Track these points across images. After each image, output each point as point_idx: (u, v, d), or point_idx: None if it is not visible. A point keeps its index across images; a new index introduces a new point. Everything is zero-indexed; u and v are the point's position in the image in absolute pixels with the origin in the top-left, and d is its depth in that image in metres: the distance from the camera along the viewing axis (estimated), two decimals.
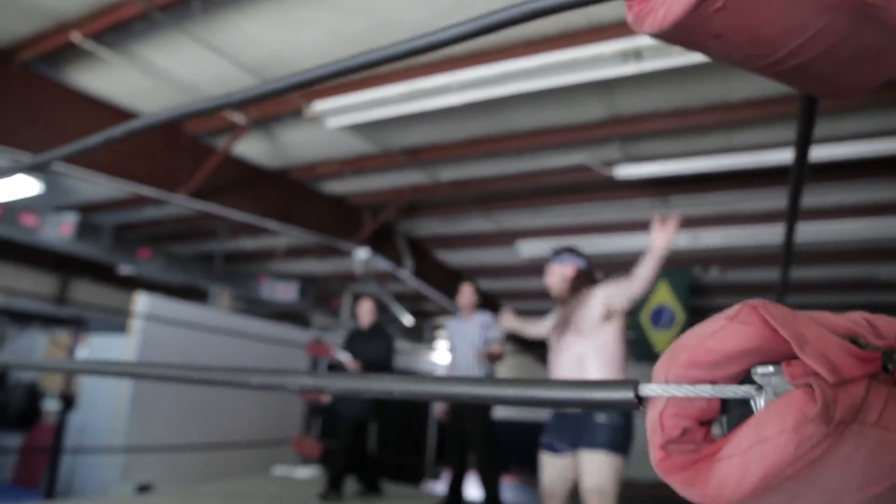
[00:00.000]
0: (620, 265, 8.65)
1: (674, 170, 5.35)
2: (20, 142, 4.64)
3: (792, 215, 1.44)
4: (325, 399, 4.96)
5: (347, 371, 4.94)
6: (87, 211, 7.46)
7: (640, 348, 9.25)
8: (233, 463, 6.47)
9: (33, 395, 6.72)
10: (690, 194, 6.31)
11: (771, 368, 0.50)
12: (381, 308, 10.34)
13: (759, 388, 0.51)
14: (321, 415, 5.10)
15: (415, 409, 11.09)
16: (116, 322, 9.58)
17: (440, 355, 15.21)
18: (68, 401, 6.19)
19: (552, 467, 2.99)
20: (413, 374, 0.85)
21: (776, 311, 0.49)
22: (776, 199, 6.10)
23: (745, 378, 0.52)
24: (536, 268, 8.93)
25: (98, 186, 6.85)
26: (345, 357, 4.97)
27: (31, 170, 2.69)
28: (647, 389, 0.54)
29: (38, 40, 4.42)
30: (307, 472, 5.65)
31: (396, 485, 5.88)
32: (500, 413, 14.83)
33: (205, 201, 5.83)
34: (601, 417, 2.81)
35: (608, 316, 2.93)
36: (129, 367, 2.17)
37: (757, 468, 0.47)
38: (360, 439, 4.95)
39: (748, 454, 0.48)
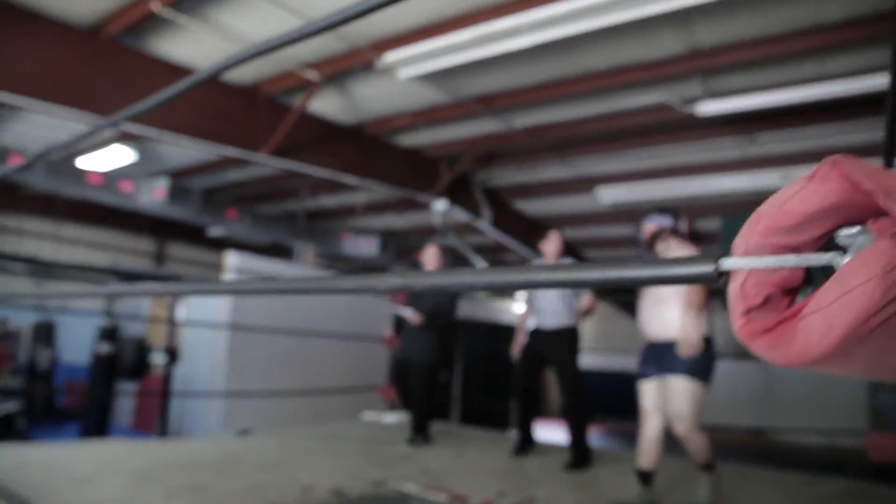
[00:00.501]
0: (706, 208, 8.31)
1: (761, 103, 5.00)
2: (116, 112, 4.88)
3: (889, 148, 1.31)
4: (390, 341, 5.09)
5: (410, 324, 4.95)
6: (178, 176, 7.84)
7: (727, 297, 8.92)
8: (324, 409, 6.79)
9: (142, 349, 7.28)
10: (780, 130, 5.92)
11: (856, 229, 0.49)
12: (460, 259, 10.47)
13: (844, 251, 0.49)
14: (395, 363, 5.21)
15: (500, 355, 11.24)
16: (210, 281, 10.14)
17: (520, 306, 15.23)
18: (173, 354, 6.65)
19: (646, 391, 3.37)
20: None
21: (858, 165, 0.47)
22: (874, 130, 5.63)
23: (829, 244, 0.50)
24: (617, 214, 8.73)
25: (186, 151, 7.18)
26: (407, 312, 4.98)
27: (107, 127, 2.80)
28: (727, 263, 0.54)
29: (122, 13, 4.60)
30: (394, 418, 5.86)
31: (482, 430, 6.01)
32: (585, 363, 14.82)
33: (285, 159, 5.98)
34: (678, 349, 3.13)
35: None
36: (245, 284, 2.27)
37: (843, 319, 0.46)
38: (429, 385, 4.97)
39: (833, 307, 0.47)
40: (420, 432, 4.88)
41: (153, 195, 6.95)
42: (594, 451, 4.39)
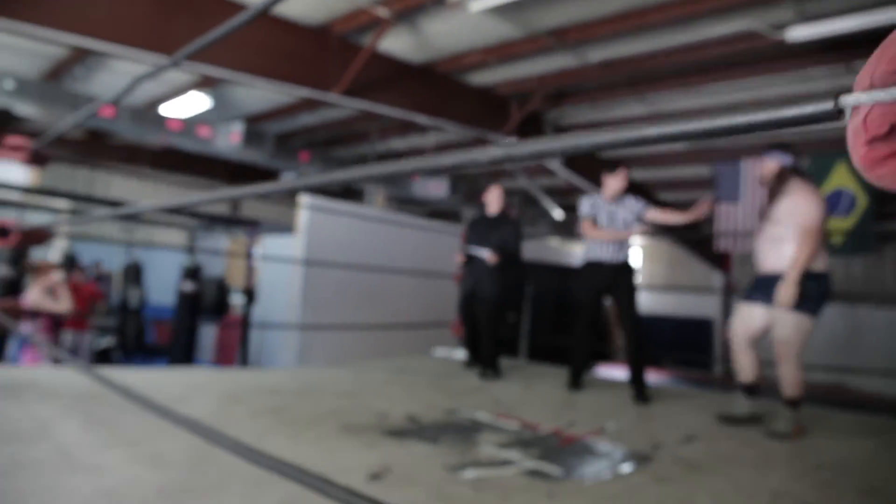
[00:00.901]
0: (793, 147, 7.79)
1: (859, 25, 4.52)
2: (202, 57, 4.93)
3: None
4: (459, 257, 5.07)
5: (487, 263, 4.94)
6: (252, 121, 7.96)
7: (853, 238, 8.41)
8: (396, 345, 6.92)
9: (222, 288, 7.59)
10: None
11: None
12: (530, 201, 10.31)
13: None
14: (462, 299, 5.24)
15: (567, 296, 11.13)
16: (285, 225, 10.40)
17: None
18: (250, 294, 6.88)
19: (748, 312, 3.59)
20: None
21: None
22: None
23: None
24: (694, 154, 8.33)
25: (260, 96, 7.27)
26: (482, 251, 4.94)
27: (176, 64, 2.81)
28: (849, 99, 0.53)
29: None
30: (465, 354, 5.88)
31: (551, 366, 5.98)
32: (655, 306, 14.51)
33: (356, 98, 5.95)
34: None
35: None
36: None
37: None
38: (497, 320, 5.07)
39: None
40: (490, 366, 4.94)
41: (229, 139, 7.09)
42: (654, 390, 4.49)
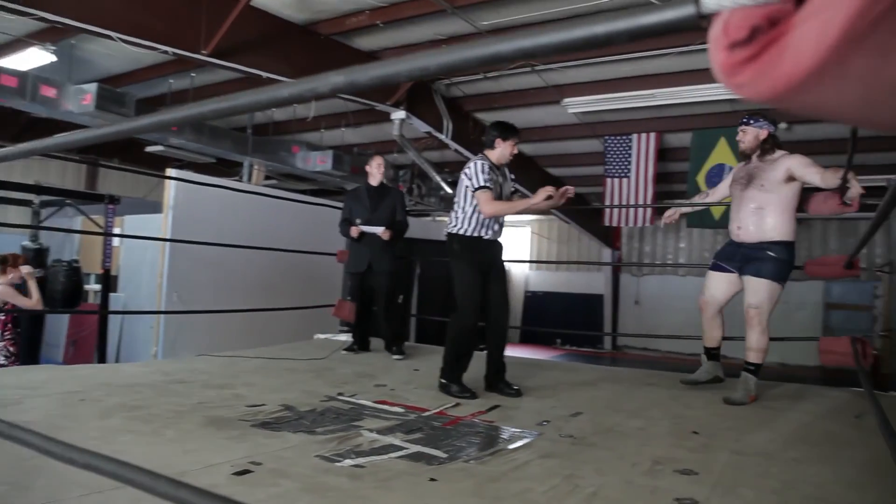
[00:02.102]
0: (675, 122, 8.08)
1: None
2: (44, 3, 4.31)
3: None
4: (355, 232, 4.80)
5: (381, 238, 4.81)
6: (110, 83, 7.17)
7: (695, 214, 8.81)
8: (275, 331, 6.53)
9: (75, 274, 6.73)
10: None
11: None
12: (422, 177, 10.12)
13: None
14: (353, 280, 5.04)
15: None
16: (149, 203, 9.59)
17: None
18: (108, 279, 6.22)
19: (718, 280, 3.70)
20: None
21: None
22: None
23: None
24: (583, 128, 8.45)
25: (118, 54, 6.54)
26: (373, 228, 4.78)
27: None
28: (710, 3, 0.51)
29: None
30: (346, 337, 5.63)
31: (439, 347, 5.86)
32: (542, 285, 14.88)
33: (228, 61, 5.45)
34: (773, 251, 3.44)
35: (789, 178, 3.41)
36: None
37: (842, 13, 0.41)
38: (395, 295, 5.07)
39: (830, 3, 0.42)
40: (398, 342, 4.96)
41: (81, 102, 6.32)
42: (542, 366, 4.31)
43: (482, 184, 3.64)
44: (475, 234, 3.78)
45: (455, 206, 3.86)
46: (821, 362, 3.80)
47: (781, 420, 3.18)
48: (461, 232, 3.78)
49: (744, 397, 3.46)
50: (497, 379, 3.78)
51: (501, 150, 3.79)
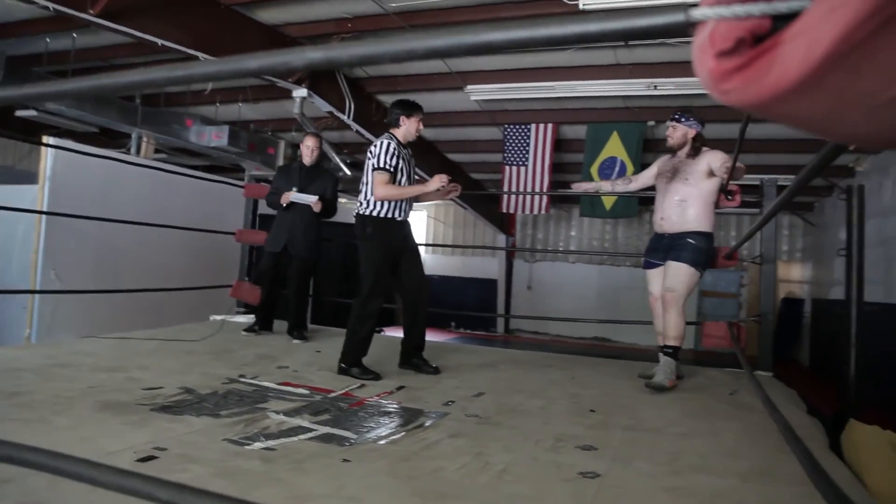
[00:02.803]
0: (572, 114, 8.40)
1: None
2: None
3: None
4: (285, 200, 4.66)
5: (304, 218, 4.72)
6: None
7: (587, 204, 9.24)
8: (168, 312, 6.22)
9: None
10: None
11: None
12: (322, 156, 9.91)
13: None
14: (266, 258, 4.87)
15: (353, 254, 11.02)
16: (18, 173, 8.78)
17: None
18: None
19: (653, 276, 3.86)
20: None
21: None
22: None
23: None
24: (484, 116, 8.59)
25: None
26: (305, 197, 4.64)
27: None
28: (698, 13, 0.55)
29: None
30: (246, 318, 5.46)
31: (340, 329, 5.81)
32: (437, 268, 15.06)
33: (118, 24, 5.07)
34: (692, 239, 3.61)
35: (710, 173, 3.61)
36: None
37: (829, 33, 0.46)
38: (308, 279, 5.03)
39: (818, 25, 0.47)
40: (302, 325, 4.90)
41: None
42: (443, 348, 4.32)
43: (381, 165, 3.62)
44: (388, 216, 3.72)
45: (363, 187, 3.77)
46: (703, 345, 4.13)
47: (667, 398, 3.44)
48: (373, 213, 3.71)
49: (664, 381, 3.51)
50: (416, 356, 3.85)
51: (407, 128, 3.75)
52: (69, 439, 2.13)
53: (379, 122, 8.24)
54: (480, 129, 9.24)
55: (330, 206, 4.80)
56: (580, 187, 4.36)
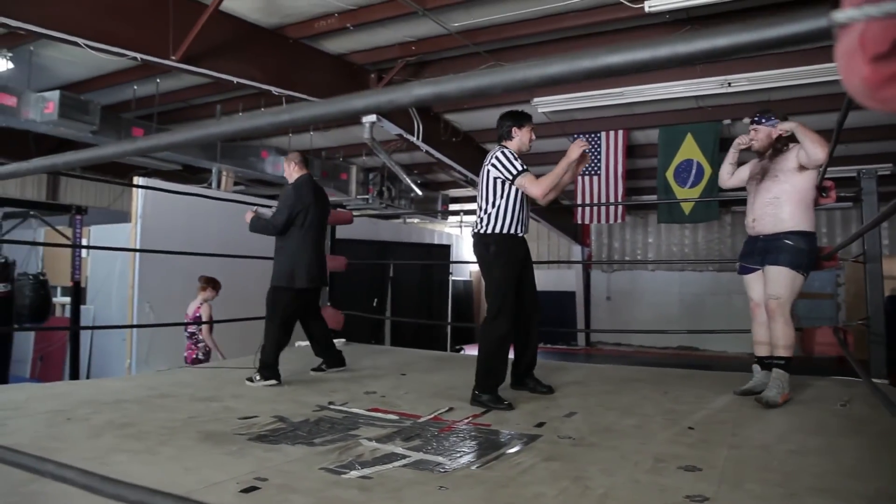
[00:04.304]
0: (643, 118, 8.20)
1: None
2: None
3: None
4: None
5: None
6: (71, 90, 6.95)
7: (665, 209, 8.96)
8: (253, 343, 6.40)
9: (42, 287, 6.48)
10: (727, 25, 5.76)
11: None
12: (392, 179, 10.07)
13: None
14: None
15: (431, 275, 11.11)
16: (114, 213, 9.32)
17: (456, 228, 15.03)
18: (79, 292, 6.00)
19: (751, 281, 3.65)
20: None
21: None
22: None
23: None
24: (553, 127, 8.50)
25: (81, 60, 6.33)
26: (266, 211, 4.30)
27: None
28: (842, 16, 0.50)
29: None
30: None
31: (420, 350, 5.83)
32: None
33: (197, 67, 5.32)
34: (789, 240, 3.38)
35: (801, 167, 3.39)
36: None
37: None
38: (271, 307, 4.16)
39: None
40: (263, 365, 3.96)
41: (42, 112, 6.11)
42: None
43: (518, 170, 3.43)
44: (510, 232, 3.53)
45: (482, 204, 3.56)
46: (809, 351, 3.88)
47: (772, 411, 3.24)
48: (496, 230, 3.51)
49: (776, 396, 3.29)
50: (528, 376, 3.75)
51: (520, 139, 3.60)
52: (174, 470, 2.20)
53: (448, 141, 8.30)
54: (550, 140, 9.14)
55: (262, 222, 4.20)
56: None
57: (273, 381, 3.91)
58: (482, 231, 3.56)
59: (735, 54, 0.58)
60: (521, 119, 3.63)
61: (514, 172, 3.44)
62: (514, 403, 3.40)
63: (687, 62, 0.59)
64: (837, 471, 2.28)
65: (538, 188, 3.45)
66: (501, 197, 3.51)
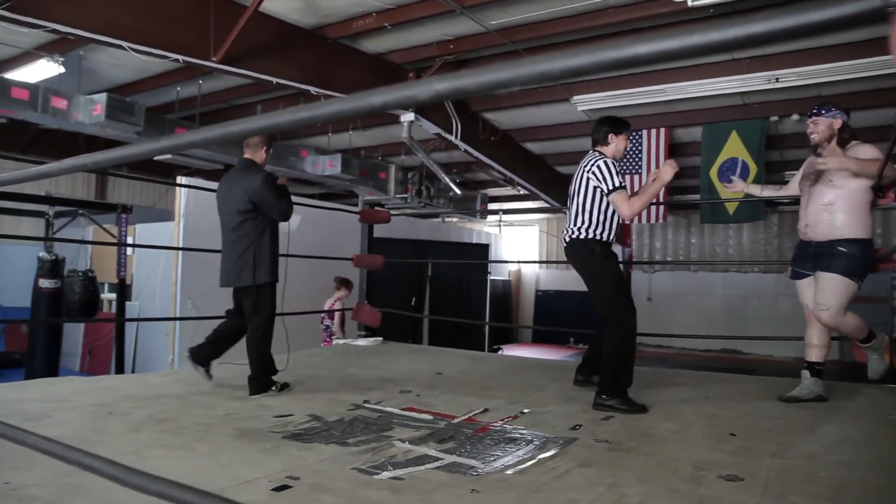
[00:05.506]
0: (686, 116, 8.01)
1: None
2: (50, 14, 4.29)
3: None
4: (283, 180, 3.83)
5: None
6: (118, 91, 7.15)
7: (708, 209, 8.76)
8: (294, 337, 6.47)
9: (90, 283, 6.69)
10: None
11: None
12: (430, 178, 10.07)
13: None
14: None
15: (469, 274, 11.08)
16: (158, 211, 9.55)
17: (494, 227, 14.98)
18: (124, 288, 6.16)
19: (803, 288, 3.54)
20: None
21: None
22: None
23: None
24: (591, 126, 8.38)
25: (126, 64, 6.52)
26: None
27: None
28: None
29: None
30: (366, 342, 5.59)
31: (456, 349, 5.81)
32: (553, 284, 14.82)
33: (237, 68, 5.41)
34: (844, 247, 3.26)
35: (856, 174, 3.24)
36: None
37: None
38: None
39: None
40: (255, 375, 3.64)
41: (91, 113, 6.29)
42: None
43: (617, 185, 3.36)
44: (608, 240, 3.51)
45: (579, 210, 3.51)
46: (855, 359, 3.75)
47: (819, 420, 3.12)
48: (599, 237, 3.49)
49: (878, 368, 3.46)
50: (595, 372, 3.75)
51: (616, 146, 3.55)
52: (209, 466, 2.23)
53: (487, 140, 8.25)
54: (590, 139, 9.02)
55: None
56: (733, 187, 4.07)
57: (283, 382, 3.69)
58: (583, 237, 3.51)
59: (774, 41, 0.54)
60: (619, 126, 3.59)
61: (612, 187, 3.38)
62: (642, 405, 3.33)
63: (721, 50, 0.55)
64: (890, 486, 2.18)
65: (629, 209, 3.40)
66: (600, 207, 3.47)
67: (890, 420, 3.10)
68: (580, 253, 3.54)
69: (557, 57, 0.61)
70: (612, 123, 3.59)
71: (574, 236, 3.54)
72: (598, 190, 3.42)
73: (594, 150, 3.56)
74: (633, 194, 3.48)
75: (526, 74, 0.62)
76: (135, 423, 2.79)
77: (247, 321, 3.79)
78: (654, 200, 8.53)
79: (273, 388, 3.61)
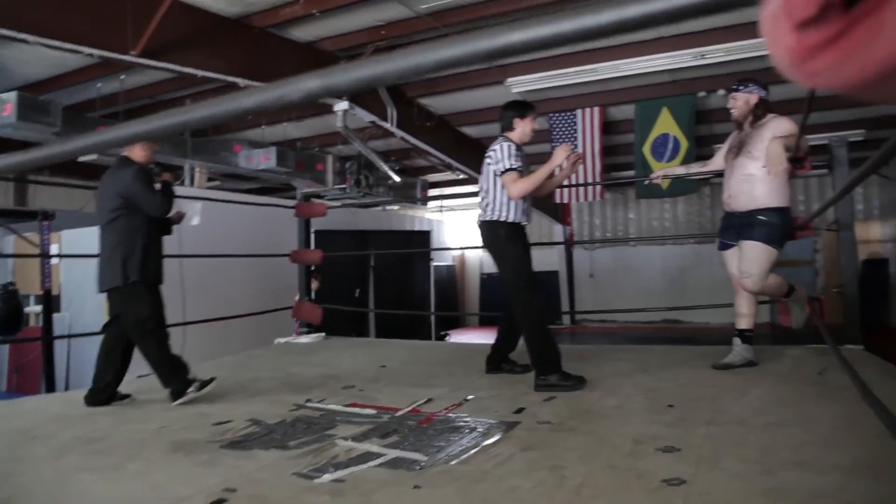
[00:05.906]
0: (618, 94, 8.14)
1: None
2: None
3: None
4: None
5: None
6: (31, 90, 6.76)
7: (643, 185, 8.93)
8: (232, 342, 6.32)
9: (12, 297, 6.30)
10: None
11: None
12: (369, 167, 9.95)
13: None
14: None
15: (412, 264, 11.03)
16: (86, 216, 9.12)
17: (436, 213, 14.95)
18: (50, 301, 5.83)
19: (729, 257, 3.68)
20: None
21: None
22: None
23: None
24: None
25: (37, 59, 6.15)
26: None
27: None
28: None
29: None
30: (308, 339, 5.50)
31: (402, 340, 5.80)
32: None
33: (158, 61, 5.17)
34: (764, 216, 3.40)
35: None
36: None
37: None
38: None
39: None
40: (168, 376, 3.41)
41: (0, 114, 5.93)
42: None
43: (509, 166, 3.46)
44: (516, 221, 3.58)
45: (485, 194, 3.62)
46: (781, 323, 3.91)
47: (750, 383, 3.23)
48: (504, 219, 3.56)
49: (800, 318, 3.72)
50: (504, 361, 3.87)
51: (522, 129, 3.61)
52: (139, 487, 2.14)
53: (423, 125, 8.19)
54: None
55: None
56: (657, 176, 4.31)
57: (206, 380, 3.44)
58: (488, 218, 3.60)
59: (646, 26, 0.52)
60: (525, 109, 3.67)
61: (503, 168, 3.49)
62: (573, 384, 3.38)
63: (605, 34, 0.54)
64: (813, 442, 2.27)
65: (516, 190, 3.48)
66: (501, 187, 3.54)
67: (816, 378, 3.25)
68: (486, 235, 3.66)
69: (428, 48, 0.58)
70: (515, 107, 3.68)
71: (481, 219, 3.65)
72: (494, 173, 3.53)
73: (501, 136, 3.64)
74: (530, 176, 3.56)
75: (397, 69, 0.61)
76: (59, 446, 2.64)
77: (126, 330, 3.43)
78: (592, 179, 8.75)
79: (191, 388, 3.33)
